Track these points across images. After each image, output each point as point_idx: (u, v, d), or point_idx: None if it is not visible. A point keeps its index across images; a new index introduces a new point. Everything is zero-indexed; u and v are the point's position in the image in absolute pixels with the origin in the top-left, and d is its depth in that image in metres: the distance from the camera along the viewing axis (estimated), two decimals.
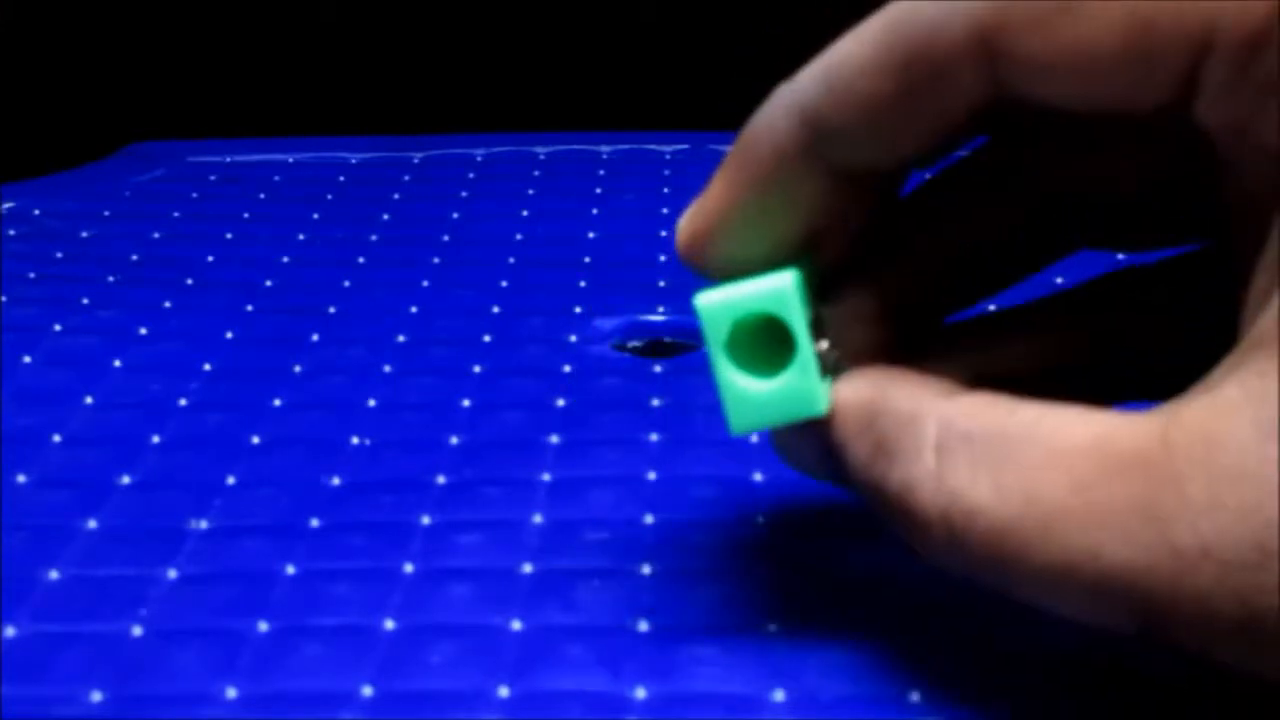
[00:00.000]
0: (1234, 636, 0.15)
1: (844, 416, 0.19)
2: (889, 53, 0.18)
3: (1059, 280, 0.28)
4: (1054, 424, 0.17)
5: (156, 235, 0.35)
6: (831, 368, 0.19)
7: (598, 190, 0.38)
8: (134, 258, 0.34)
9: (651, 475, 0.25)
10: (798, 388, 0.19)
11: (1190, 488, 0.15)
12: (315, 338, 0.30)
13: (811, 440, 0.19)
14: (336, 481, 0.25)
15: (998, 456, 0.17)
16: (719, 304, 0.19)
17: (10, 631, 0.21)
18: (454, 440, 0.26)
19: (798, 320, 0.19)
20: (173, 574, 0.23)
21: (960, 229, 0.21)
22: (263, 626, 0.21)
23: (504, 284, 0.33)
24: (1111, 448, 0.16)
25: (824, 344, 0.19)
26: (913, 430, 0.18)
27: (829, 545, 0.23)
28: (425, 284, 0.33)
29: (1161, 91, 0.17)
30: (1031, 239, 0.21)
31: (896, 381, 0.19)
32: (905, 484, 0.18)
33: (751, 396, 0.19)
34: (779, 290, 0.19)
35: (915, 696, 0.20)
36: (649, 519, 0.24)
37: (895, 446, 0.18)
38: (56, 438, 0.26)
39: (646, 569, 0.23)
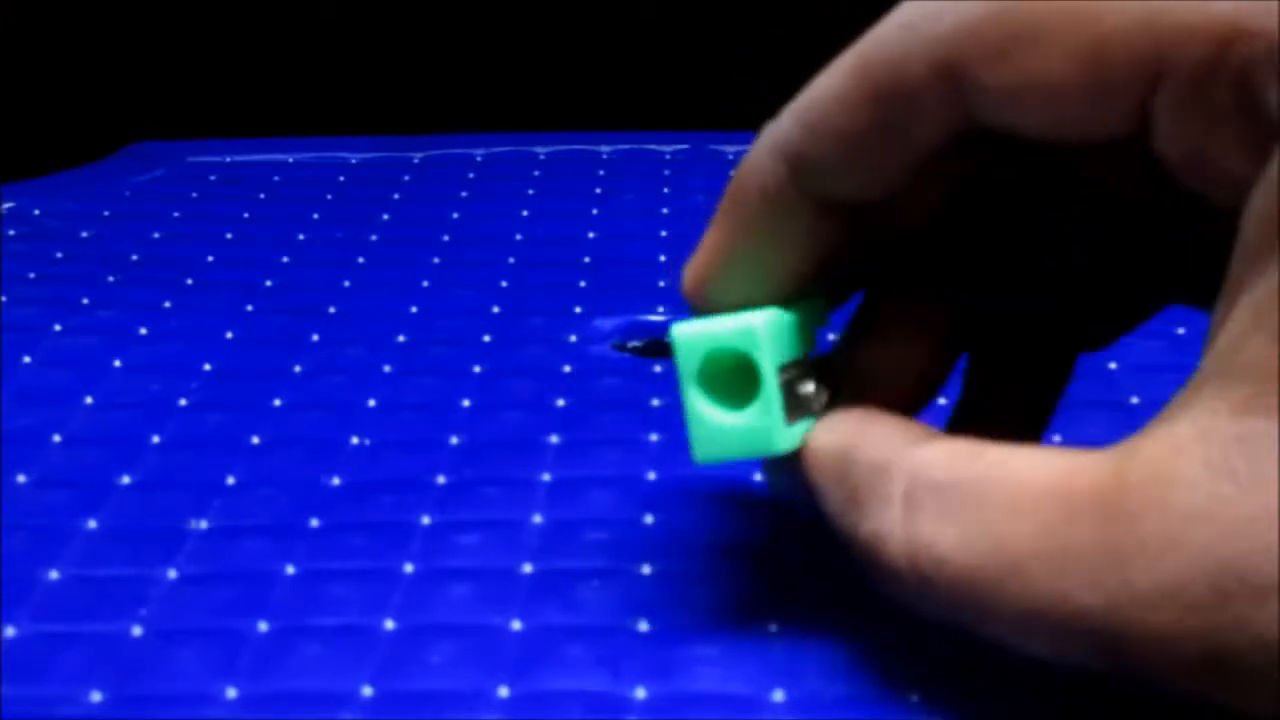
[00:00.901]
0: (1201, 675, 0.15)
1: (819, 463, 0.19)
2: (860, 86, 0.18)
3: None
4: (1016, 468, 0.17)
5: (156, 235, 0.35)
6: (816, 409, 0.20)
7: (598, 190, 0.38)
8: (134, 258, 0.34)
9: (651, 475, 0.25)
10: (759, 425, 0.19)
11: (1146, 528, 0.15)
12: (315, 338, 0.30)
13: (793, 479, 0.20)
14: (336, 481, 0.25)
15: (963, 505, 0.17)
16: (691, 336, 0.20)
17: (10, 631, 0.21)
18: (454, 440, 0.26)
19: (765, 358, 0.19)
20: (173, 574, 0.23)
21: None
22: (263, 626, 0.21)
23: (504, 284, 0.33)
24: (1071, 489, 0.16)
25: (809, 386, 0.20)
26: (883, 480, 0.18)
27: (829, 546, 0.23)
28: (425, 284, 0.33)
29: (1119, 118, 0.17)
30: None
31: (870, 429, 0.19)
32: (875, 534, 0.18)
33: (715, 427, 0.19)
34: (748, 328, 0.19)
35: (915, 697, 0.20)
36: (649, 519, 0.24)
37: (866, 496, 0.18)
38: (56, 438, 0.26)
39: (646, 569, 0.23)
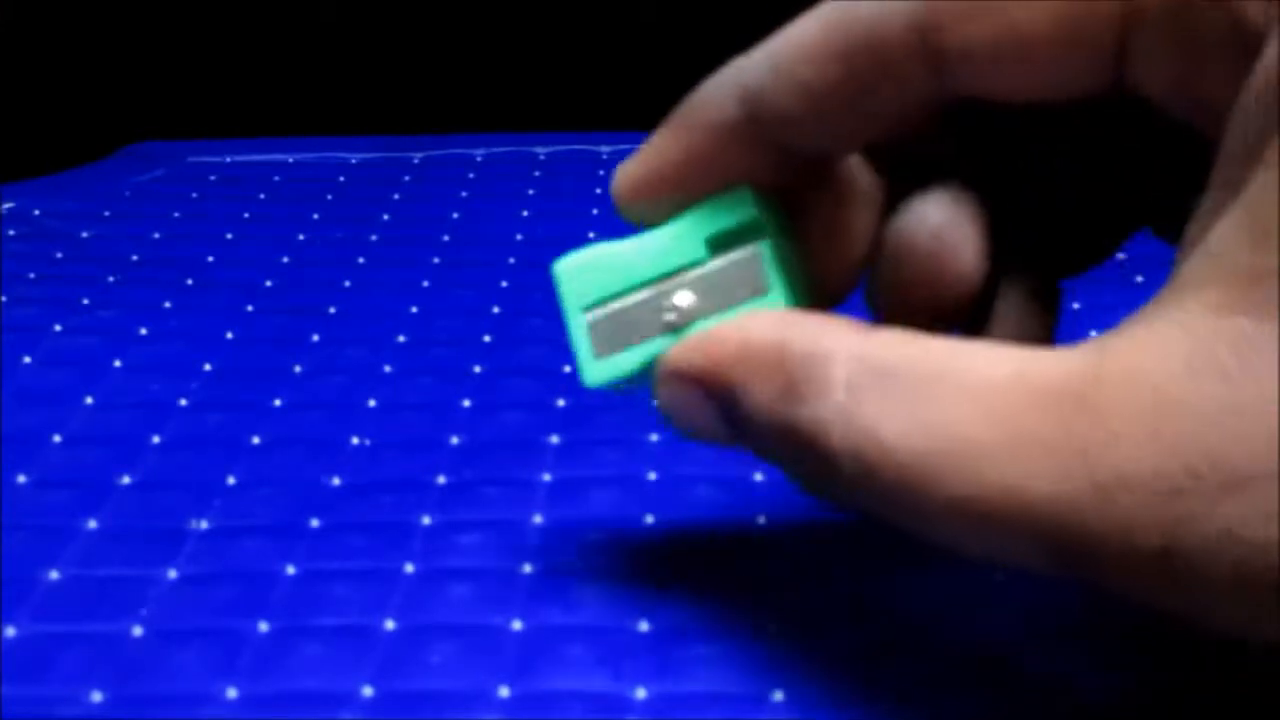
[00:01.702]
0: (1153, 571, 0.15)
1: (747, 355, 0.18)
2: (833, 42, 0.18)
3: None
4: (971, 359, 0.17)
5: (156, 235, 0.35)
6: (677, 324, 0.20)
7: (597, 190, 0.38)
8: (134, 258, 0.34)
9: (651, 475, 0.25)
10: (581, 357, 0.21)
11: (1119, 421, 0.15)
12: (315, 338, 0.30)
13: (699, 391, 0.19)
14: (336, 481, 0.25)
15: (912, 392, 0.17)
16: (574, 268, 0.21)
17: (10, 631, 0.21)
18: (454, 440, 0.26)
19: (566, 299, 0.21)
20: (173, 574, 0.23)
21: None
22: (263, 626, 0.21)
23: (504, 284, 0.33)
24: (1033, 381, 0.16)
25: (662, 303, 0.20)
26: (822, 367, 0.17)
27: (829, 546, 0.23)
28: (425, 284, 0.33)
29: (1096, 68, 0.17)
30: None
31: (805, 319, 0.18)
32: (814, 422, 0.17)
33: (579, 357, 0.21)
34: (556, 269, 0.21)
35: (915, 698, 0.20)
36: (649, 519, 0.24)
37: (804, 384, 0.18)
38: (56, 438, 0.26)
39: (646, 569, 0.23)
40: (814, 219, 0.21)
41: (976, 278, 0.20)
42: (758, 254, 0.20)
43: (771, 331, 0.18)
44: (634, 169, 0.20)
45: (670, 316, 0.20)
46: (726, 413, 0.19)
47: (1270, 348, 0.15)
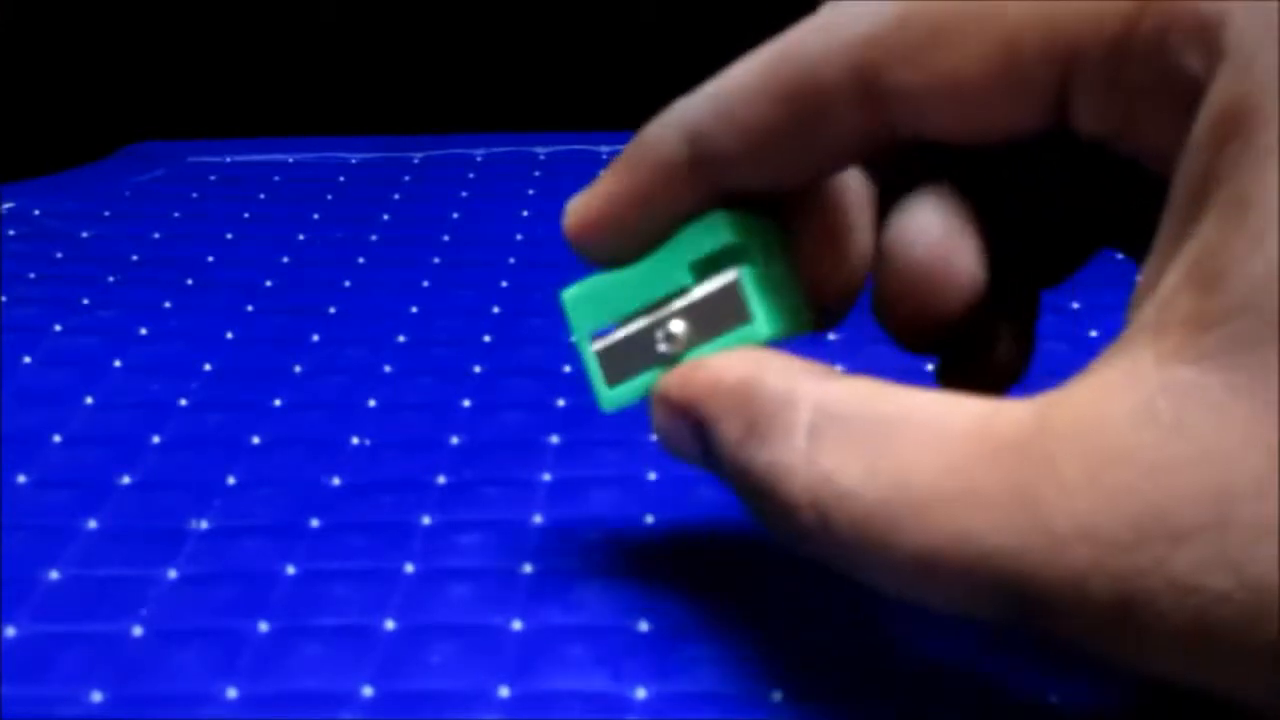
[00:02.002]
0: (1112, 622, 0.15)
1: (718, 392, 0.19)
2: (774, 84, 0.18)
3: None
4: (930, 408, 0.17)
5: (156, 235, 0.35)
6: (673, 353, 0.20)
7: None
8: (134, 258, 0.34)
9: (651, 475, 0.25)
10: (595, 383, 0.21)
11: (1067, 470, 0.15)
12: (315, 338, 0.30)
13: (683, 421, 0.19)
14: (336, 481, 0.25)
15: (871, 440, 0.17)
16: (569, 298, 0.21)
17: (10, 631, 0.21)
18: (454, 440, 0.26)
19: (577, 328, 0.21)
20: (173, 574, 0.23)
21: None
22: (263, 626, 0.21)
23: (504, 284, 0.33)
24: (988, 431, 0.16)
25: (660, 333, 0.20)
26: (787, 410, 0.18)
27: None
28: (425, 284, 0.33)
29: (1035, 112, 0.17)
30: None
31: (773, 360, 0.19)
32: (775, 465, 0.17)
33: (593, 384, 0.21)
34: (564, 296, 0.21)
35: (916, 698, 0.20)
36: (649, 519, 0.24)
37: (767, 427, 0.18)
38: (56, 438, 0.26)
39: (646, 569, 0.23)
40: (807, 231, 0.20)
41: (979, 282, 0.20)
42: (736, 281, 0.19)
43: (741, 371, 0.18)
44: (582, 206, 0.20)
45: (663, 347, 0.20)
46: (704, 445, 0.19)
47: (1211, 399, 0.15)
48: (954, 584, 0.16)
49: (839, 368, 0.19)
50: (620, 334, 0.20)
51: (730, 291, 0.19)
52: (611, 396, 0.21)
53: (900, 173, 0.20)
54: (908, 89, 0.17)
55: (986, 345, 0.21)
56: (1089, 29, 0.16)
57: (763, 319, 0.19)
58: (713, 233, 0.19)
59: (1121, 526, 0.15)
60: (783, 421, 0.17)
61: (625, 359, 0.20)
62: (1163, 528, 0.15)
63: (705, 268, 0.20)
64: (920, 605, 0.17)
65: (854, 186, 0.20)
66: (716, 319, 0.19)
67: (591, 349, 0.21)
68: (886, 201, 0.20)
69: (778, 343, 0.19)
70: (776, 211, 0.20)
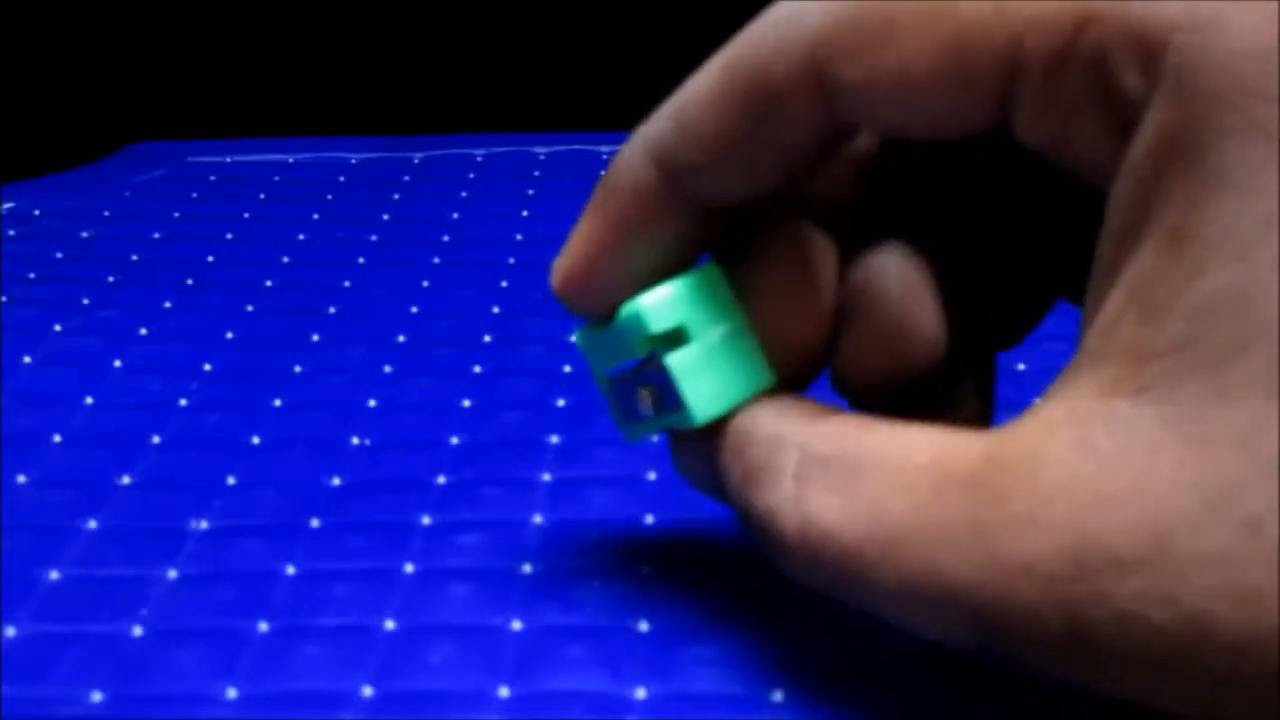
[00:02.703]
0: (1066, 650, 0.15)
1: (720, 441, 0.19)
2: (728, 88, 0.18)
3: None
4: (900, 445, 0.17)
5: (156, 235, 0.35)
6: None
7: None
8: (134, 258, 0.34)
9: (651, 475, 0.25)
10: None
11: (1013, 504, 0.16)
12: (315, 338, 0.30)
13: (702, 463, 0.20)
14: (336, 481, 0.25)
15: (849, 480, 0.17)
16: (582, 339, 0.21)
17: (10, 631, 0.21)
18: (454, 440, 0.26)
19: (595, 367, 0.21)
20: (173, 574, 0.23)
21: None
22: (263, 626, 0.21)
23: (504, 284, 0.33)
24: (947, 466, 0.16)
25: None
26: (776, 455, 0.18)
27: None
28: (425, 284, 0.33)
29: (980, 112, 0.17)
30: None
31: (763, 409, 0.19)
32: (769, 509, 0.18)
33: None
34: (576, 336, 0.21)
35: (917, 698, 0.20)
36: (649, 519, 0.24)
37: (761, 472, 0.18)
38: (56, 438, 0.26)
39: (646, 569, 0.23)
40: (769, 285, 0.20)
41: (940, 342, 0.20)
42: (666, 370, 0.19)
43: (739, 419, 0.19)
44: (567, 259, 0.20)
45: (642, 409, 0.20)
46: (719, 483, 0.20)
47: (1146, 434, 0.15)
48: (929, 615, 0.17)
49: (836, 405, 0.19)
50: (619, 376, 0.21)
51: (664, 376, 0.19)
52: (629, 431, 0.21)
53: (862, 233, 0.20)
54: (856, 79, 0.17)
55: (945, 407, 0.21)
56: (1035, 35, 0.16)
57: (692, 407, 0.19)
58: (649, 316, 0.19)
59: (1063, 560, 0.15)
60: (774, 466, 0.18)
61: (626, 403, 0.21)
62: (1102, 561, 0.15)
63: (655, 341, 0.19)
64: (914, 632, 0.17)
65: (817, 245, 0.20)
66: (663, 398, 0.20)
67: (607, 383, 0.21)
68: (848, 264, 0.20)
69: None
70: (740, 274, 0.20)
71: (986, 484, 0.16)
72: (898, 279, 0.20)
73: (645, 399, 0.20)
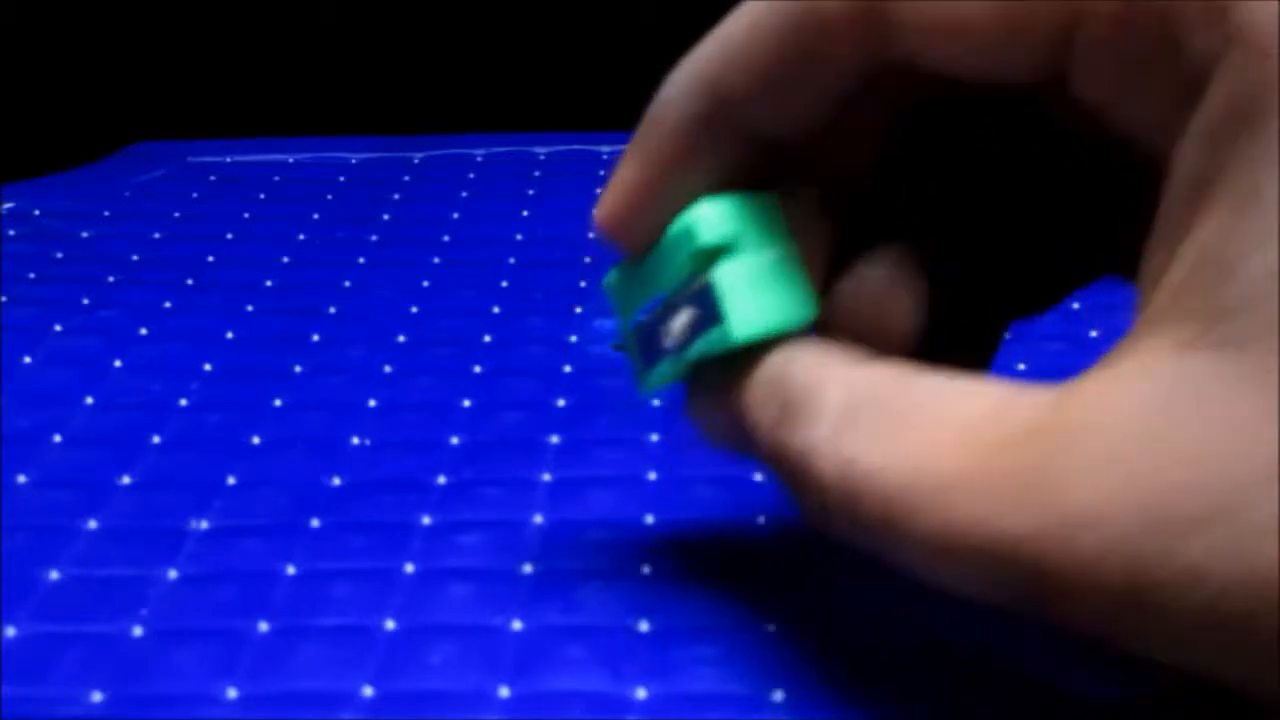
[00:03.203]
0: (1122, 607, 0.15)
1: (753, 379, 0.19)
2: (779, 18, 0.18)
3: None
4: (953, 393, 0.17)
5: (156, 235, 0.35)
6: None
7: (597, 190, 0.37)
8: (134, 258, 0.34)
9: (651, 475, 0.25)
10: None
11: (1082, 455, 0.15)
12: (315, 338, 0.30)
13: (722, 409, 0.20)
14: (336, 481, 0.25)
15: (896, 423, 0.17)
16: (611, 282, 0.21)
17: (10, 631, 0.21)
18: (454, 440, 0.26)
19: (622, 309, 0.21)
20: (173, 574, 0.23)
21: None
22: (263, 626, 0.21)
23: (504, 284, 0.33)
24: (1008, 416, 0.16)
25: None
26: (816, 395, 0.18)
27: (829, 545, 0.23)
28: (425, 284, 0.33)
29: (1037, 58, 0.17)
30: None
31: (804, 347, 0.19)
32: (806, 447, 0.18)
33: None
34: (604, 282, 0.21)
35: (917, 698, 0.20)
36: (649, 519, 0.24)
37: (798, 410, 0.18)
38: (56, 438, 0.26)
39: (646, 569, 0.23)
40: None
41: (910, 340, 0.20)
42: (711, 282, 0.19)
43: (777, 355, 0.19)
44: (611, 193, 0.20)
45: (667, 342, 0.20)
46: (739, 430, 0.19)
47: (1223, 388, 0.15)
48: (971, 567, 0.16)
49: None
50: (645, 319, 0.21)
51: (707, 292, 0.19)
52: (646, 379, 0.21)
53: (863, 209, 0.20)
54: (912, 20, 0.17)
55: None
56: None
57: (735, 322, 0.19)
58: (702, 226, 0.19)
59: (1132, 514, 0.15)
60: (813, 406, 0.18)
61: (649, 345, 0.21)
62: (1172, 517, 0.15)
63: (702, 258, 0.19)
64: (943, 589, 0.17)
65: (813, 229, 0.20)
66: (702, 316, 0.19)
67: (630, 330, 0.21)
68: (840, 261, 0.21)
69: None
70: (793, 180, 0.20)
71: (1053, 434, 0.16)
72: (871, 283, 0.20)
73: (675, 330, 0.20)
